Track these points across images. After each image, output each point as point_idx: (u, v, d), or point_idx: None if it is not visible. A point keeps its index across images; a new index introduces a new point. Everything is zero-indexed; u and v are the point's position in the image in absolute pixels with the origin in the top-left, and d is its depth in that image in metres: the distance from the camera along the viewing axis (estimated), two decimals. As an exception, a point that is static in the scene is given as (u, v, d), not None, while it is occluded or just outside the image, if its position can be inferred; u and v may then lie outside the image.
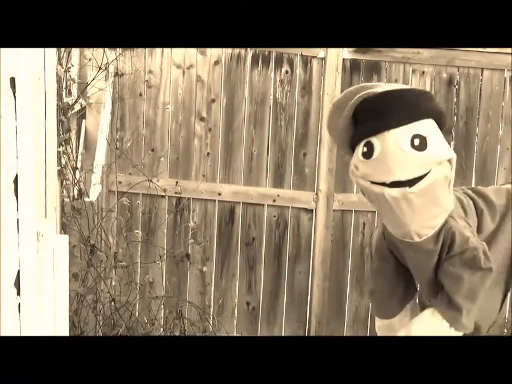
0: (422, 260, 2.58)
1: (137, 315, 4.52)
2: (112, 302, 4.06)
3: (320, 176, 5.19)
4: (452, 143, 5.13)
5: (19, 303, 1.29)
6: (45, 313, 1.38)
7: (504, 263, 2.67)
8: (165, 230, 5.07)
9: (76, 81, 4.07)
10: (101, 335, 3.90)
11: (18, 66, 1.30)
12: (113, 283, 4.22)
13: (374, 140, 2.36)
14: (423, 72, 5.19)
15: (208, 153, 5.16)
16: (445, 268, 2.51)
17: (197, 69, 5.07)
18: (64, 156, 3.73)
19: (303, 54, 5.11)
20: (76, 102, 4.00)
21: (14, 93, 1.28)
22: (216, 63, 5.08)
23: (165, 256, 4.78)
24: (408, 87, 2.54)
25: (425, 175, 2.34)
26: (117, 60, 4.48)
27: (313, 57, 5.12)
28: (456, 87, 5.22)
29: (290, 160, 5.22)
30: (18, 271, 1.28)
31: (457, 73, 5.19)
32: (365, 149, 2.39)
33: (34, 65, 1.44)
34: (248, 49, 5.05)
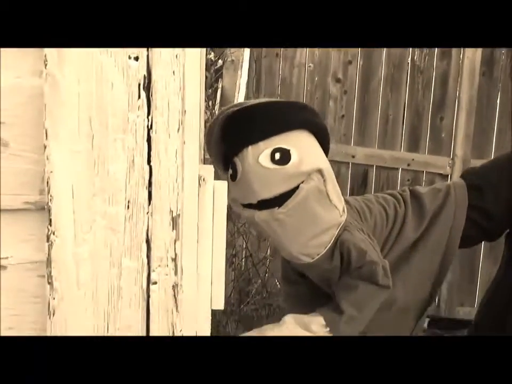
0: (325, 278, 2.39)
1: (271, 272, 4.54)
2: (250, 257, 4.13)
3: (457, 142, 5.07)
4: None
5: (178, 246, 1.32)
6: (202, 258, 1.40)
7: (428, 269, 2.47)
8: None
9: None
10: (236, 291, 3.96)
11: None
12: (251, 238, 4.26)
13: (236, 160, 2.18)
14: None
15: (343, 116, 5.12)
16: (342, 279, 2.31)
17: (335, 30, 5.02)
18: (207, 111, 3.79)
19: (443, 15, 4.98)
20: (218, 58, 4.06)
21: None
22: (354, 23, 5.02)
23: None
24: (275, 100, 2.31)
25: (294, 191, 2.16)
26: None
27: (455, 19, 4.98)
28: None
29: (427, 124, 5.13)
30: (178, 215, 1.31)
31: None
32: (231, 171, 2.22)
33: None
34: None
